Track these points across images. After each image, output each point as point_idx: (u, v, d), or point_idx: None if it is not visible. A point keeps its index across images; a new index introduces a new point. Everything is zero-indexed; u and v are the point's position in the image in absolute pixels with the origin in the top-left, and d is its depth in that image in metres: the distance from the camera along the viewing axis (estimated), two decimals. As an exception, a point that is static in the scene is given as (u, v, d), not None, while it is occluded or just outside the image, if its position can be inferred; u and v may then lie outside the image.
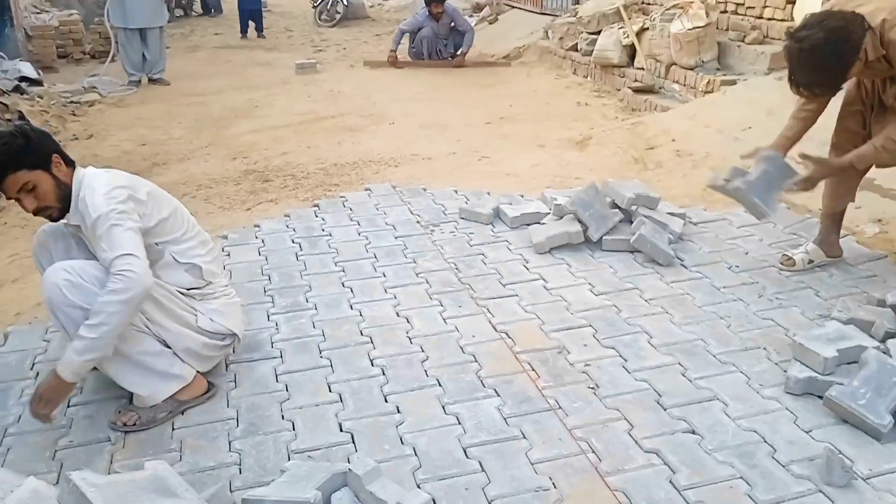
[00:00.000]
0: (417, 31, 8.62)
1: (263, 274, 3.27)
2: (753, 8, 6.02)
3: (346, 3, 12.85)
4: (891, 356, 2.32)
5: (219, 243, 3.59)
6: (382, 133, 5.81)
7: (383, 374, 2.54)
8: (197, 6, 14.55)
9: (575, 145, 5.34)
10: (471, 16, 10.65)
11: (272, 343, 2.72)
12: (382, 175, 4.71)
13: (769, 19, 5.87)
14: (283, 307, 2.98)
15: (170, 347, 2.33)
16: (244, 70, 8.79)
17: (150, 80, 7.90)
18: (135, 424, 2.28)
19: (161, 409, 2.32)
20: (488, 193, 4.22)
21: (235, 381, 2.51)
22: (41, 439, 2.26)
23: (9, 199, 2.25)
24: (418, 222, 3.81)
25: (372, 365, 2.59)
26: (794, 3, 5.60)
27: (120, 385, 2.31)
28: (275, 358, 2.63)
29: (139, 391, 2.29)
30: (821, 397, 2.29)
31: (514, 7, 10.92)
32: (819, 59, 2.55)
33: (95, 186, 2.20)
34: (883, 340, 2.47)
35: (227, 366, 2.58)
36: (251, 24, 11.49)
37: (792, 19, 5.62)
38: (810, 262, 3.14)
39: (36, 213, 2.24)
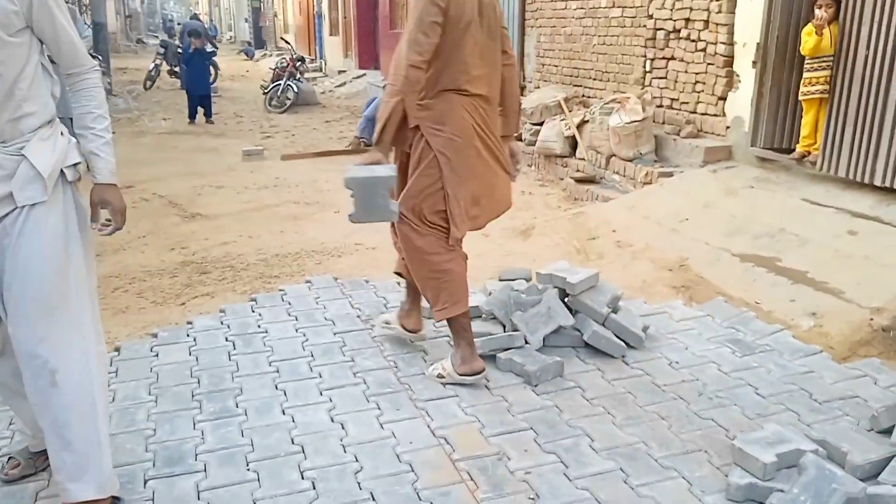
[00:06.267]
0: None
1: (192, 376, 3.12)
2: (688, 103, 6.29)
3: (296, 89, 13.03)
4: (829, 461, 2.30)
5: (147, 342, 3.44)
6: (327, 222, 5.78)
7: (313, 487, 2.40)
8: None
9: (518, 235, 5.39)
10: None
11: (196, 455, 2.56)
12: (325, 266, 4.64)
13: (703, 114, 6.14)
14: (210, 413, 2.83)
15: None
16: (190, 156, 8.74)
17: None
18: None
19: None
20: (431, 286, 4.17)
21: (153, 499, 2.34)
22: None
23: None
24: (358, 316, 3.73)
25: (302, 478, 2.45)
26: (725, 99, 5.87)
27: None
28: (198, 472, 2.47)
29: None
30: (762, 504, 2.24)
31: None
32: None
33: None
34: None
35: (145, 482, 2.41)
36: (200, 109, 11.51)
37: (724, 115, 5.88)
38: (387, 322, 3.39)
39: None
